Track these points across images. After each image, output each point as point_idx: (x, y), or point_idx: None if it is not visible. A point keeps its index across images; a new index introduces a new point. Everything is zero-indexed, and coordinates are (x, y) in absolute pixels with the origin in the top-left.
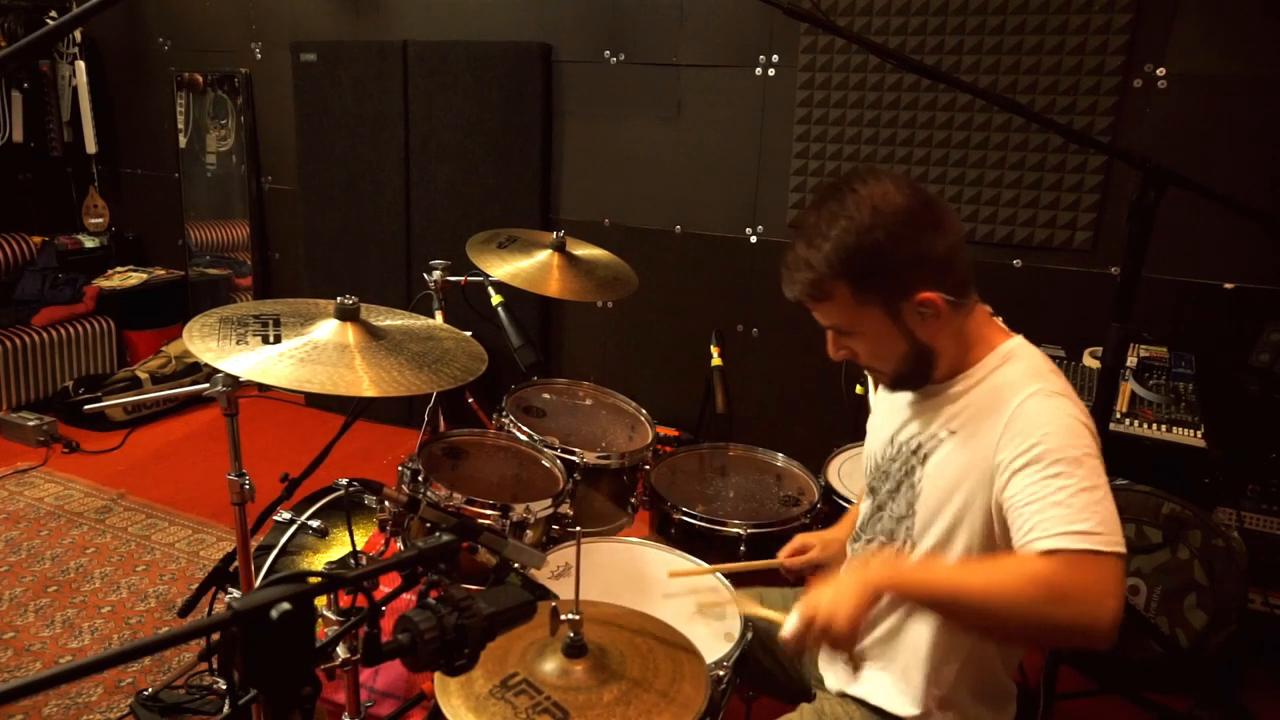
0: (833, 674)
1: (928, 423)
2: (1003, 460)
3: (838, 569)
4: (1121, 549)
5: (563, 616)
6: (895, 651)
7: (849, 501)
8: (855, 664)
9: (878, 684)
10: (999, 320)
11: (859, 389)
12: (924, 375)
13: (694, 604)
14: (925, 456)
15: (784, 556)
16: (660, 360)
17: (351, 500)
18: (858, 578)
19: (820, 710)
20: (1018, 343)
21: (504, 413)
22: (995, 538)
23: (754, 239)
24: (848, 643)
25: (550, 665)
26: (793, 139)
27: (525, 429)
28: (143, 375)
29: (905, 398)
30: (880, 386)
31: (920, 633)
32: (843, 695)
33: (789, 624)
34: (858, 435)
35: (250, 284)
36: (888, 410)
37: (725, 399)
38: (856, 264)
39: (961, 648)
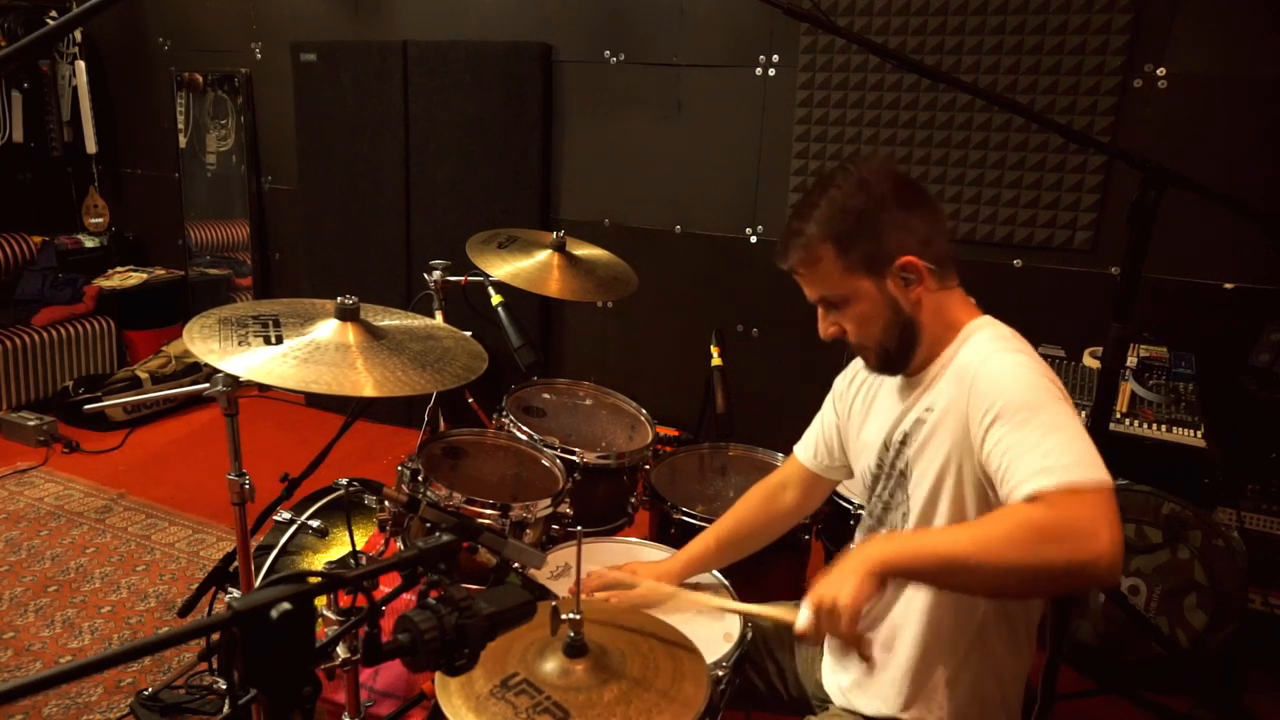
0: (837, 689)
1: (910, 412)
2: (974, 422)
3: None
4: (1103, 478)
5: (563, 616)
6: (887, 660)
7: (849, 502)
8: (866, 656)
9: (875, 696)
10: (971, 301)
11: None
12: (909, 351)
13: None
14: (911, 441)
15: (595, 585)
16: (660, 360)
17: (351, 500)
18: (855, 558)
19: None
20: (983, 320)
21: (504, 413)
22: (991, 503)
23: (754, 239)
24: (851, 625)
25: (551, 665)
26: (793, 139)
27: (525, 429)
28: (143, 375)
29: (891, 405)
30: (868, 371)
31: (911, 640)
32: (849, 711)
33: (801, 617)
34: None
35: (250, 284)
36: (879, 419)
37: (725, 399)
38: (841, 226)
39: (955, 656)
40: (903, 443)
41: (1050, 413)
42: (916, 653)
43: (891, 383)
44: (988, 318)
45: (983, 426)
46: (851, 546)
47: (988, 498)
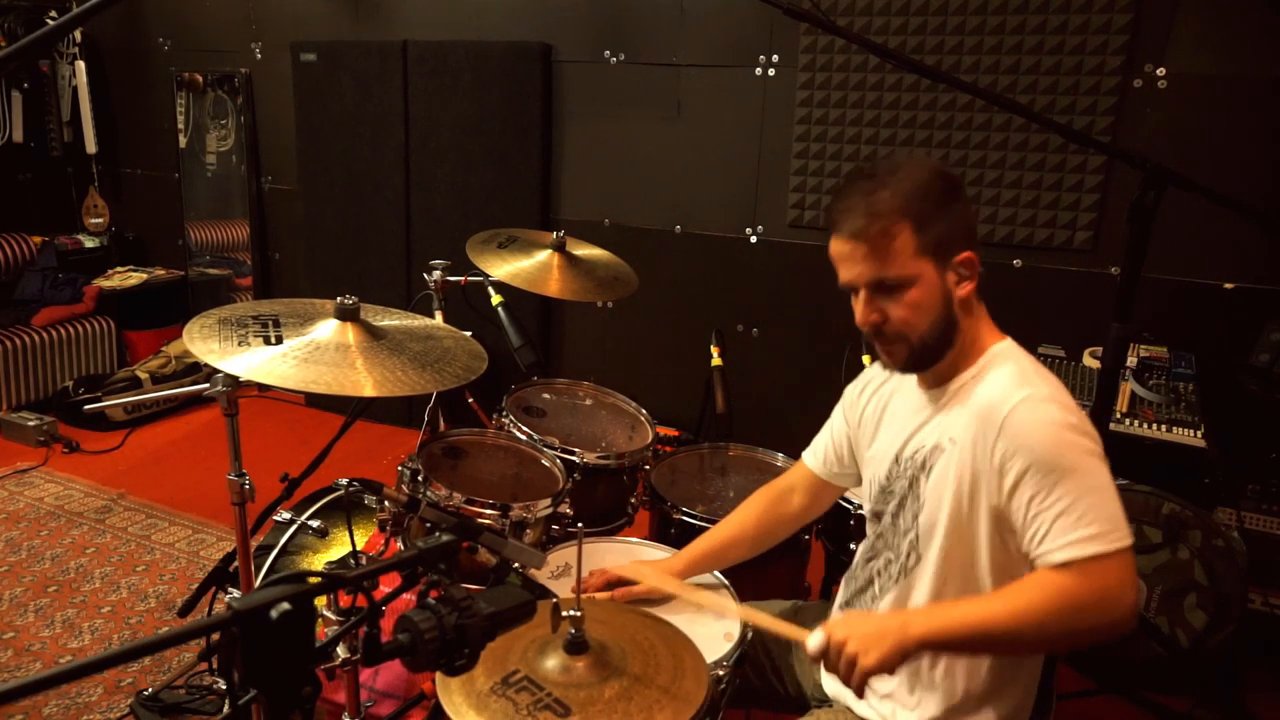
0: (840, 690)
1: (930, 434)
2: (999, 470)
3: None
4: (1128, 540)
5: (564, 613)
6: (932, 677)
7: (849, 503)
8: (860, 694)
9: (915, 709)
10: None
11: (866, 359)
12: (942, 350)
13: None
14: (929, 469)
15: (598, 583)
16: (660, 360)
17: (351, 500)
18: (893, 628)
19: None
20: (1005, 345)
21: (504, 413)
22: (1002, 544)
23: (754, 239)
24: (863, 682)
25: (552, 662)
26: (793, 139)
27: (525, 429)
28: (143, 375)
29: (907, 417)
30: (887, 369)
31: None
32: (850, 712)
33: (813, 642)
34: None
35: (250, 284)
36: (891, 431)
37: (725, 399)
38: (924, 206)
39: (991, 665)
40: (920, 465)
41: (1080, 474)
42: (956, 666)
43: (906, 393)
44: (1009, 342)
45: (1010, 478)
46: (853, 546)
47: (1002, 537)
